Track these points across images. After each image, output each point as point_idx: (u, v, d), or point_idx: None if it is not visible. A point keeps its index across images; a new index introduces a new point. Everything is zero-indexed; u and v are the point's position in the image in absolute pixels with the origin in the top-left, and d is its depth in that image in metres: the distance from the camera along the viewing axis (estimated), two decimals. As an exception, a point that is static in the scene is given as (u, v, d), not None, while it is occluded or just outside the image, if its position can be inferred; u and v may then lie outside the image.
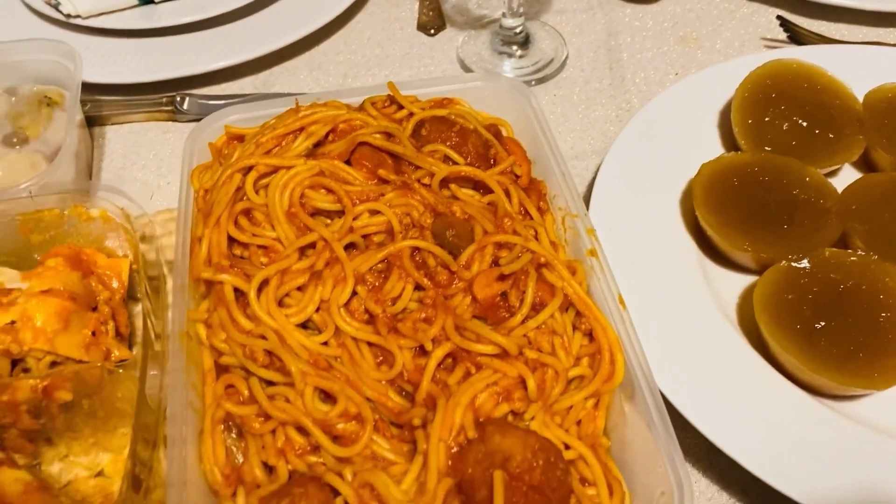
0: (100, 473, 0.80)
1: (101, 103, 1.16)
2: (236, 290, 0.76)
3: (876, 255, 0.84)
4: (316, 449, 0.68)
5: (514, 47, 1.23)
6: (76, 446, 0.80)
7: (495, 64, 1.23)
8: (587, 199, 0.95)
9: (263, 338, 0.72)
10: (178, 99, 1.16)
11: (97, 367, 0.74)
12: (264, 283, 0.75)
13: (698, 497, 0.80)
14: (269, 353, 0.71)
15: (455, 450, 0.64)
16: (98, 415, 0.77)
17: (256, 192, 0.83)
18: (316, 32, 1.24)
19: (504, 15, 1.21)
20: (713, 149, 1.01)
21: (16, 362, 0.79)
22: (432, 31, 1.29)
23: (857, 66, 1.06)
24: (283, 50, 1.22)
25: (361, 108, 0.92)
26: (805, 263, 0.84)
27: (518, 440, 0.63)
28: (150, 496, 0.74)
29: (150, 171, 1.10)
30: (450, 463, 0.64)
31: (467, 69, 1.23)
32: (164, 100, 1.16)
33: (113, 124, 1.17)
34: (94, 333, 0.81)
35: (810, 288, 0.82)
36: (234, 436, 0.70)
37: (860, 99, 1.00)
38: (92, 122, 1.15)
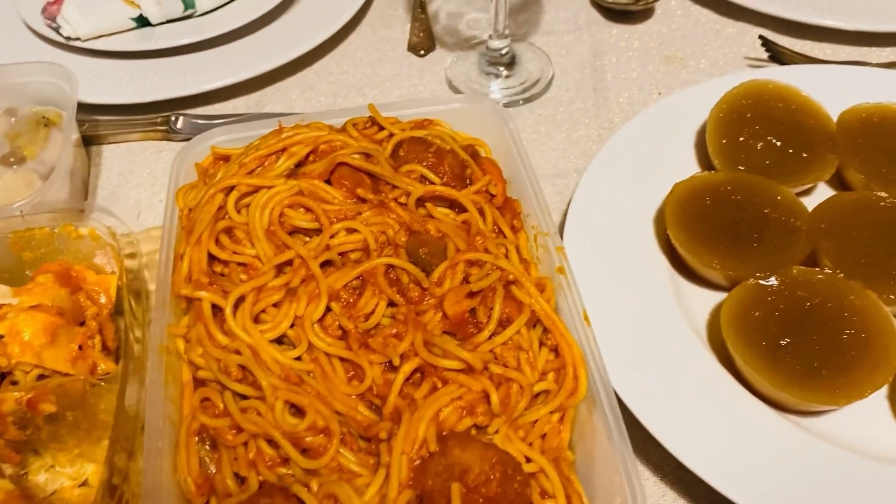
0: (84, 483, 0.82)
1: (98, 123, 1.20)
2: (215, 306, 0.79)
3: (842, 273, 0.85)
4: (286, 461, 0.70)
5: (501, 68, 1.26)
6: (61, 457, 0.82)
7: (482, 84, 1.26)
8: (567, 217, 0.97)
9: (238, 353, 0.74)
10: (173, 119, 1.20)
11: (80, 380, 0.77)
12: (241, 300, 0.78)
13: (666, 510, 0.82)
14: (242, 367, 0.74)
15: (417, 462, 0.67)
16: (82, 426, 0.80)
17: (238, 211, 0.86)
18: (309, 53, 1.28)
19: (490, 37, 1.23)
20: (689, 168, 1.03)
21: (4, 375, 0.82)
22: (422, 52, 1.32)
23: (835, 86, 1.08)
24: (277, 70, 1.25)
25: (343, 129, 0.95)
26: (773, 281, 0.85)
27: (476, 453, 0.65)
28: (128, 505, 0.76)
29: (143, 190, 1.14)
30: (412, 475, 0.66)
31: (455, 90, 1.26)
32: (159, 119, 1.20)
33: (110, 143, 1.20)
34: (80, 347, 0.84)
35: (777, 305, 0.84)
36: (207, 447, 0.73)
37: (835, 119, 1.02)
38: (89, 141, 1.19)
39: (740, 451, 0.77)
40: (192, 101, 1.23)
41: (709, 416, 0.79)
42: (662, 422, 0.78)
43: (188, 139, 1.17)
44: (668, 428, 0.77)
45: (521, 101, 1.24)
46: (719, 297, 0.92)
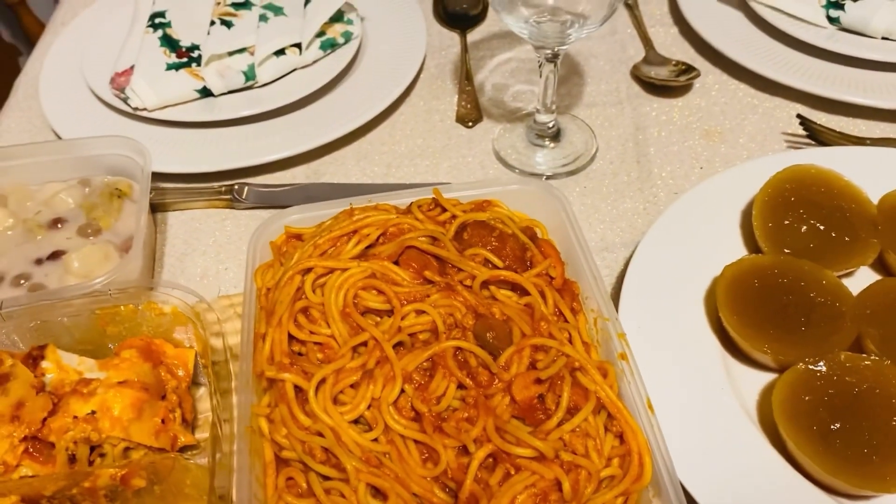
0: (165, 551, 0.87)
1: (165, 191, 1.26)
2: (296, 386, 0.83)
3: (889, 359, 0.89)
4: (368, 541, 0.75)
5: (547, 140, 1.32)
6: (144, 526, 0.87)
7: (528, 156, 1.31)
8: (617, 292, 1.02)
9: (321, 435, 0.79)
10: (237, 188, 1.25)
11: (171, 457, 0.82)
12: (321, 382, 0.83)
13: (721, 589, 0.85)
14: (325, 449, 0.78)
15: (496, 548, 0.71)
16: (167, 499, 0.84)
17: (314, 291, 0.91)
18: (363, 124, 1.33)
19: (538, 111, 1.29)
20: (736, 248, 1.07)
21: (93, 447, 0.87)
22: (470, 124, 1.38)
23: (873, 167, 1.12)
24: (333, 141, 1.31)
25: (409, 210, 1.00)
26: (821, 366, 0.89)
27: (554, 542, 0.69)
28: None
29: (209, 258, 1.19)
30: (491, 561, 0.70)
31: (502, 160, 1.31)
32: (223, 188, 1.26)
33: (175, 210, 1.26)
34: (163, 421, 0.88)
35: (826, 390, 0.88)
36: (293, 527, 0.77)
37: (875, 201, 1.07)
38: (155, 208, 1.25)
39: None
40: (252, 169, 1.29)
41: (763, 500, 0.83)
42: (720, 504, 0.82)
43: (251, 208, 1.24)
44: (726, 511, 0.81)
45: (564, 174, 1.29)
46: (767, 377, 0.96)
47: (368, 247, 0.96)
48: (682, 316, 0.99)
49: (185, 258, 1.19)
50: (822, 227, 1.04)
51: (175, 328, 0.96)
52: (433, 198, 1.02)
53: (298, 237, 1.00)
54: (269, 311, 0.90)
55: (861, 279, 1.03)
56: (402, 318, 0.89)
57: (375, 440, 0.80)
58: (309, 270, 0.92)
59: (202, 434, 0.94)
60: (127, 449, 0.87)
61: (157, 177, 1.26)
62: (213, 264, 1.18)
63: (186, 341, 0.97)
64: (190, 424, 0.93)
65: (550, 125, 1.31)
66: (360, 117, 1.32)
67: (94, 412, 0.85)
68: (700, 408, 0.90)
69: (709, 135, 1.34)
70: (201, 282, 1.15)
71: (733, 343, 0.97)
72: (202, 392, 0.99)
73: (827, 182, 1.07)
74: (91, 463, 0.86)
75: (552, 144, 1.32)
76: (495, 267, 0.94)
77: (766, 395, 0.94)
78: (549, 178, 1.28)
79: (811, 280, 0.98)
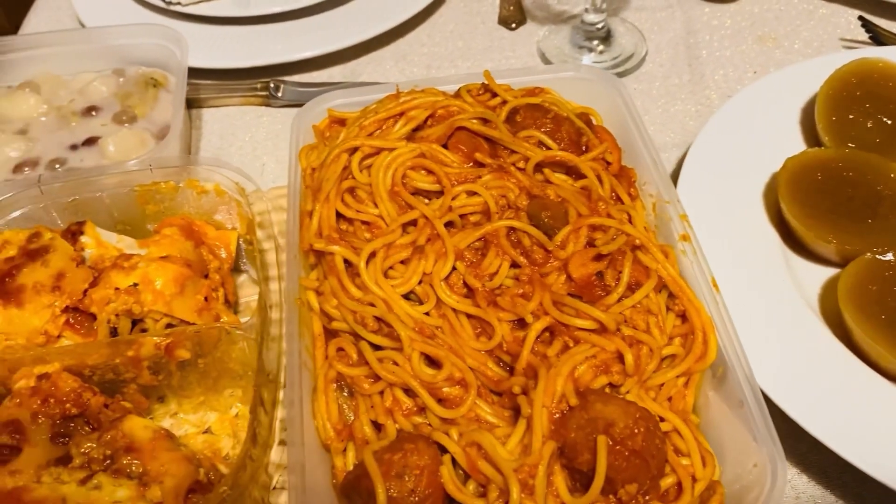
0: (207, 431, 0.85)
1: (199, 87, 1.22)
2: (345, 260, 0.80)
3: (962, 250, 0.85)
4: (421, 410, 0.72)
5: (595, 42, 1.26)
6: (186, 405, 0.85)
7: (575, 58, 1.26)
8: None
9: (372, 305, 0.76)
10: (273, 85, 1.21)
11: (216, 327, 0.79)
12: (371, 255, 0.80)
13: (779, 478, 0.82)
14: (377, 319, 0.76)
15: (557, 416, 0.68)
16: (210, 375, 0.83)
17: (361, 171, 0.88)
18: (401, 25, 1.29)
19: (587, 11, 1.24)
20: (795, 144, 1.03)
21: (134, 322, 0.84)
22: (513, 26, 1.33)
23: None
24: (370, 41, 1.27)
25: (457, 95, 0.96)
26: (889, 256, 0.85)
27: (619, 408, 0.66)
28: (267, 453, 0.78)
29: (245, 153, 1.16)
30: (552, 428, 0.67)
31: (548, 62, 1.26)
32: (259, 85, 1.22)
33: (210, 107, 1.22)
34: (206, 299, 0.86)
35: (894, 279, 0.84)
36: (345, 395, 0.75)
37: (945, 99, 1.01)
38: (189, 104, 1.21)
39: (856, 417, 0.77)
40: (287, 68, 1.25)
41: (826, 384, 0.80)
42: (780, 388, 0.78)
43: (287, 105, 1.21)
44: (787, 394, 0.78)
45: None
46: (829, 271, 0.92)
47: (416, 130, 0.93)
48: (740, 209, 0.95)
49: (221, 154, 1.16)
50: (888, 122, 0.99)
51: (217, 210, 0.93)
52: (483, 83, 0.97)
53: (342, 122, 0.96)
54: (315, 188, 0.87)
55: (928, 177, 0.98)
56: (453, 199, 0.85)
57: (427, 314, 0.77)
58: (356, 150, 0.88)
59: (244, 319, 0.91)
60: (169, 326, 0.85)
61: (191, 73, 1.21)
62: (251, 160, 1.15)
63: (228, 223, 0.94)
64: (232, 306, 0.91)
65: (600, 26, 1.25)
66: (398, 15, 1.27)
67: (136, 284, 0.82)
68: (760, 298, 0.87)
69: (762, 40, 1.29)
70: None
71: (794, 236, 0.93)
72: (243, 279, 0.97)
73: (895, 76, 1.02)
74: (133, 339, 0.84)
75: (601, 47, 1.27)
76: (550, 149, 0.90)
77: (829, 287, 0.90)
78: (595, 81, 1.23)
79: (878, 173, 0.94)
